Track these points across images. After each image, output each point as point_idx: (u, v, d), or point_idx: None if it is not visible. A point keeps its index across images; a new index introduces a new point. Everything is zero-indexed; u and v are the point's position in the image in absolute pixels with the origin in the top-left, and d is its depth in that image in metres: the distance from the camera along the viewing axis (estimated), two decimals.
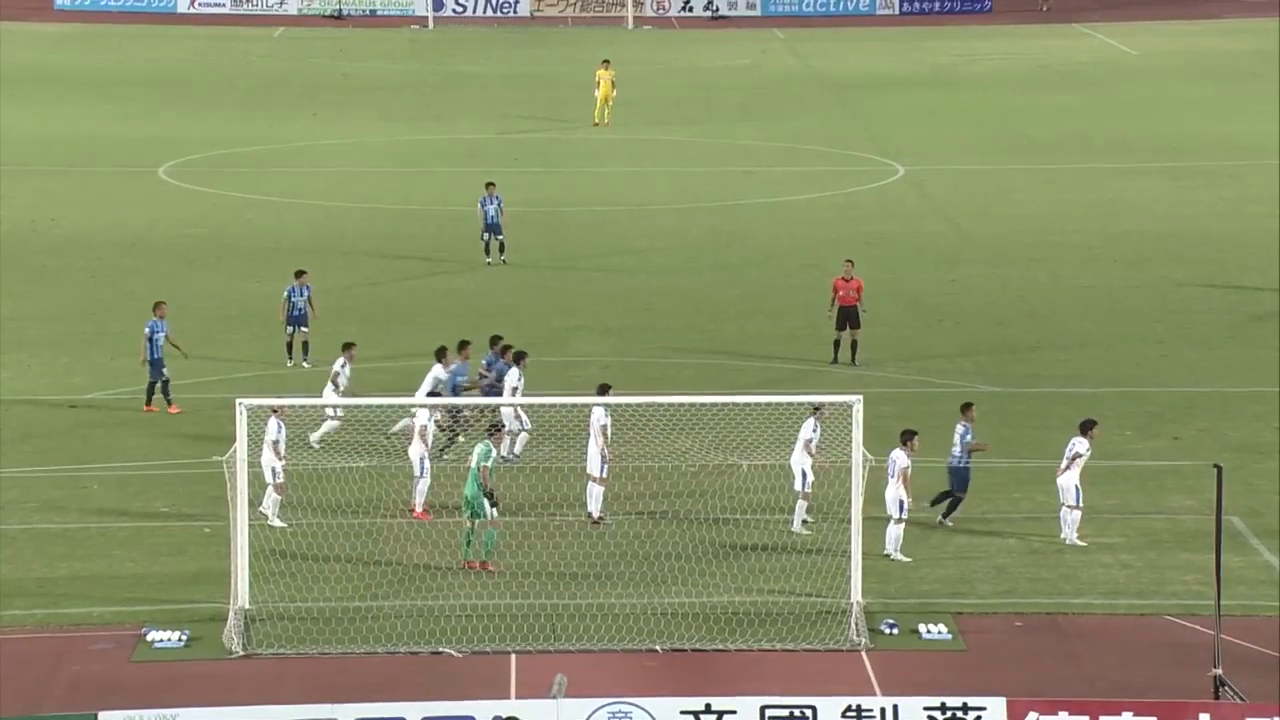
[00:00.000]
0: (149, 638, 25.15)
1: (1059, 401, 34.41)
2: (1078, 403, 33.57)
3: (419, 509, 29.18)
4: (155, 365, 34.04)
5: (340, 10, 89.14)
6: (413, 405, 29.81)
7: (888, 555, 27.62)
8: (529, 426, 31.34)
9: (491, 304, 42.13)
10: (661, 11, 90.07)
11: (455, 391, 31.33)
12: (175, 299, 41.63)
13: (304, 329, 37.06)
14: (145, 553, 28.02)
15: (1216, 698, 22.88)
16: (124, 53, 79.65)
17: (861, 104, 68.23)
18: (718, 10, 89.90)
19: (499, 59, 78.62)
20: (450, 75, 74.84)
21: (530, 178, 54.60)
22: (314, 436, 31.05)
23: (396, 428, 31.07)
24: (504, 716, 21.83)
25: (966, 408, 29.31)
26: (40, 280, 44.03)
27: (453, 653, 24.97)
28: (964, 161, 58.19)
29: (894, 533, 27.77)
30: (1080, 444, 28.36)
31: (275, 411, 28.32)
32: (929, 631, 25.38)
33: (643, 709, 21.81)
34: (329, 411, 31.04)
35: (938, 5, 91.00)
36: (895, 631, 25.40)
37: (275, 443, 28.34)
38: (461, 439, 30.98)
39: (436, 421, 30.22)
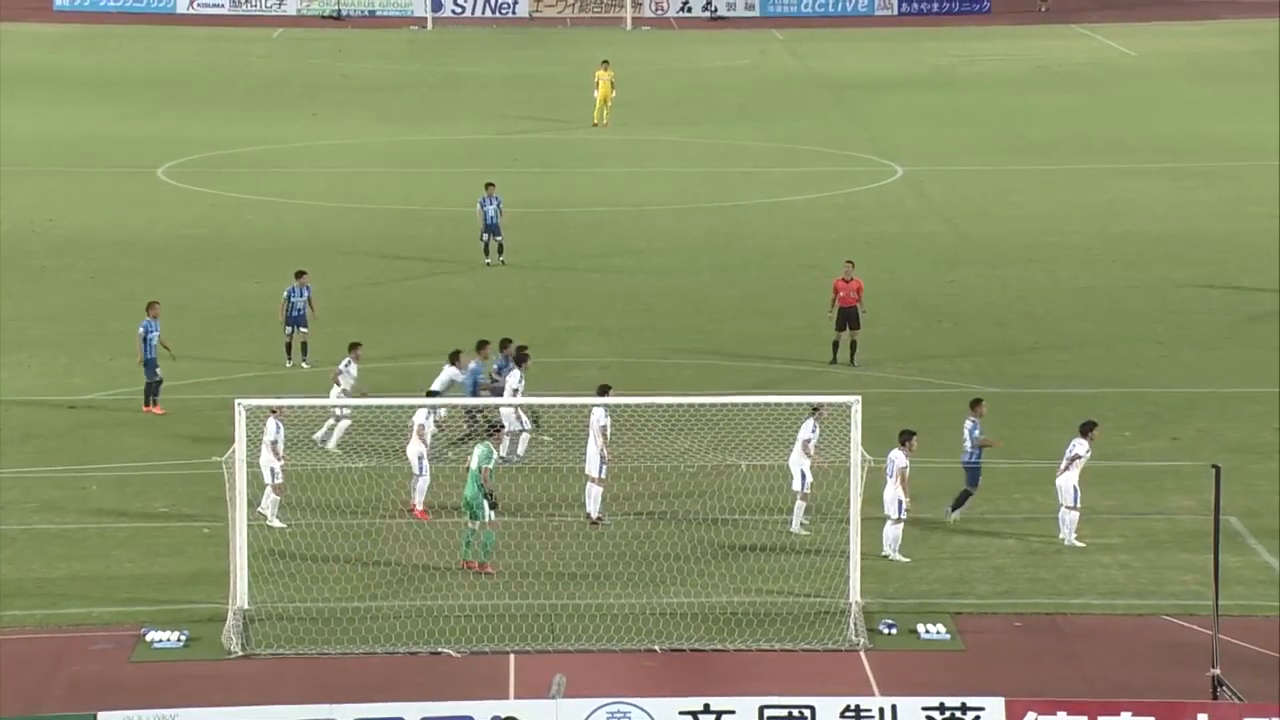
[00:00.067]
0: (148, 638, 25.16)
1: (1058, 402, 34.43)
2: (1076, 403, 33.60)
3: (418, 507, 29.20)
4: (149, 365, 34.02)
5: (339, 11, 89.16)
6: (412, 405, 29.79)
7: (886, 556, 27.63)
8: (529, 427, 31.35)
9: (491, 304, 42.15)
10: (660, 12, 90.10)
11: (475, 391, 31.33)
12: (174, 299, 41.71)
13: (303, 329, 37.07)
14: (144, 553, 28.04)
15: (1215, 698, 22.89)
16: (123, 53, 79.67)
17: (860, 105, 68.25)
18: (716, 11, 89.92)
19: (498, 60, 78.65)
20: (449, 76, 74.87)
21: (529, 178, 54.62)
22: (331, 444, 30.98)
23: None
24: (503, 717, 21.84)
25: (976, 403, 29.34)
26: (39, 280, 44.04)
27: (451, 653, 24.98)
28: (963, 162, 58.22)
29: (892, 533, 27.78)
30: (1080, 445, 28.38)
31: (274, 412, 28.34)
32: (928, 632, 25.40)
33: (641, 709, 21.82)
34: (337, 412, 31.03)
35: (936, 6, 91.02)
36: (894, 632, 25.42)
37: (273, 443, 28.35)
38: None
39: (438, 421, 30.24)
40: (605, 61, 65.20)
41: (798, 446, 28.47)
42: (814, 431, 28.39)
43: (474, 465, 27.38)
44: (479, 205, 45.52)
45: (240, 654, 24.85)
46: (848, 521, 25.82)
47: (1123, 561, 27.79)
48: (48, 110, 65.66)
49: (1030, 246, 47.58)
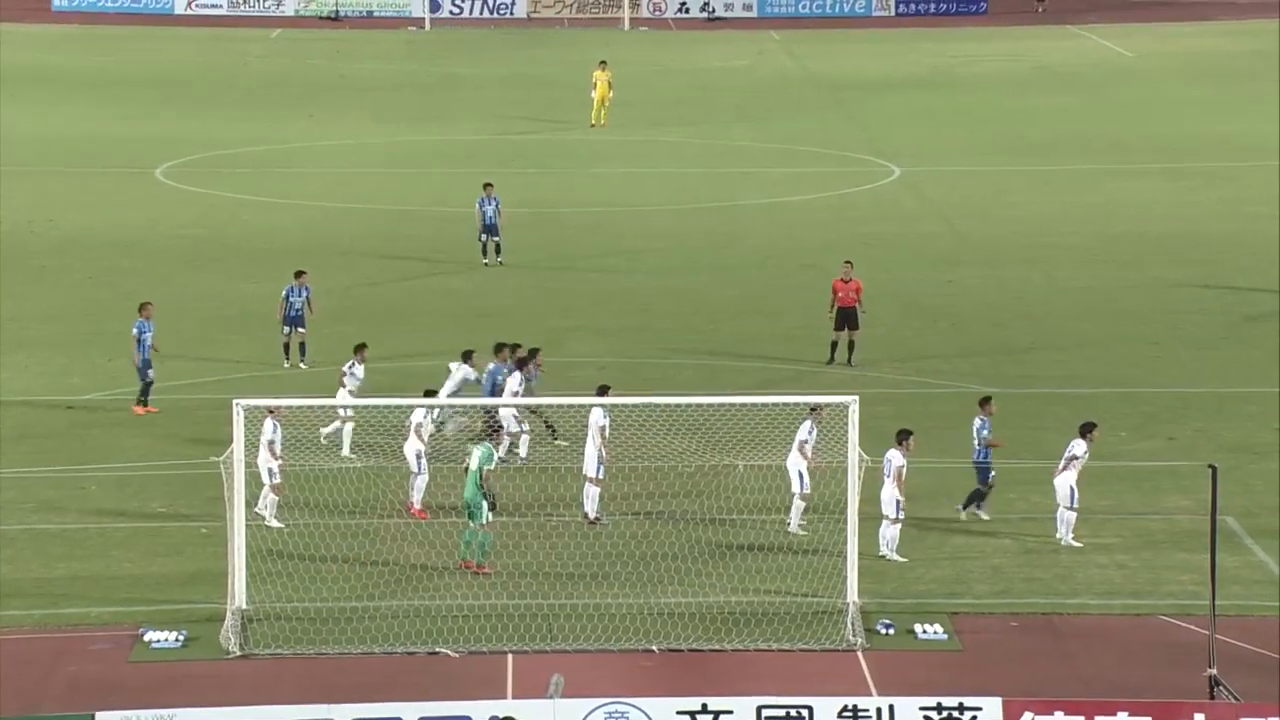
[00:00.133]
0: (146, 638, 25.18)
1: (1055, 402, 34.46)
2: (1074, 403, 33.64)
3: (417, 506, 29.23)
4: (143, 366, 34.01)
5: (337, 12, 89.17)
6: (411, 404, 29.82)
7: (883, 556, 27.66)
8: (527, 429, 31.36)
9: (489, 305, 42.18)
10: (658, 13, 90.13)
11: (495, 391, 31.36)
12: (173, 300, 41.75)
13: (301, 330, 37.08)
14: (143, 553, 28.06)
15: (1212, 697, 22.92)
16: (121, 54, 79.69)
17: (858, 105, 68.29)
18: (714, 12, 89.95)
19: (496, 60, 78.67)
20: (447, 76, 74.89)
21: (527, 179, 54.65)
22: (345, 449, 30.93)
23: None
24: (501, 716, 21.87)
25: (985, 402, 29.38)
26: (38, 281, 44.06)
27: (449, 653, 25.01)
28: (960, 163, 58.26)
29: (889, 533, 27.81)
30: (1078, 446, 28.42)
31: (271, 412, 28.36)
32: (925, 631, 25.43)
33: (639, 709, 21.84)
34: (341, 413, 31.04)
35: (933, 7, 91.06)
36: (891, 631, 25.45)
37: (271, 443, 28.38)
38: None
39: (436, 421, 30.32)
40: (603, 62, 65.23)
41: (794, 448, 28.50)
42: (811, 433, 28.42)
43: (474, 466, 27.41)
44: (477, 205, 45.54)
45: (238, 654, 24.88)
46: (845, 521, 25.85)
47: (1119, 561, 27.82)
48: (46, 110, 65.67)
49: (1028, 247, 47.62)
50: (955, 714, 21.90)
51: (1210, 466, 24.04)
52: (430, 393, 30.19)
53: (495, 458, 27.89)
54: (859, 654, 24.89)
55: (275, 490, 28.64)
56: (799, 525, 28.56)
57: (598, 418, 29.02)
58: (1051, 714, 21.97)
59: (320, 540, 27.67)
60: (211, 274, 44.79)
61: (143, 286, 42.09)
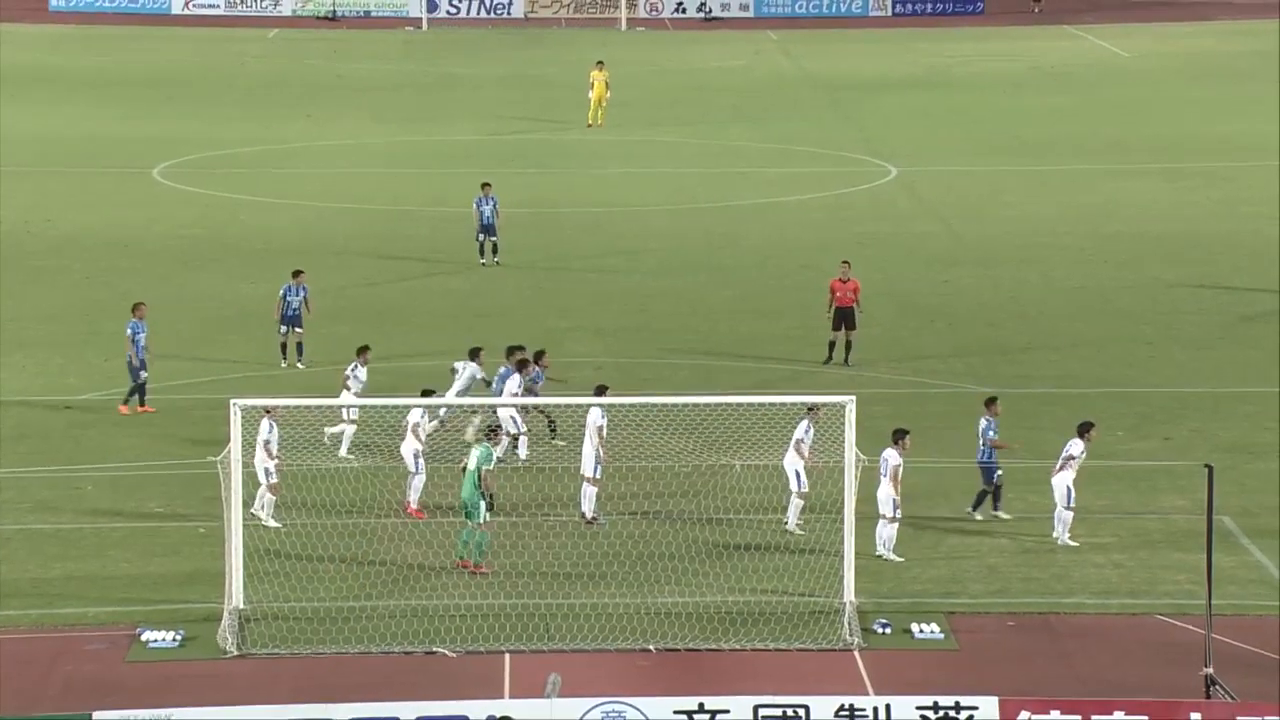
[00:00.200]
0: (143, 638, 25.20)
1: (1051, 402, 34.49)
2: (1070, 403, 33.67)
3: (413, 506, 29.25)
4: (135, 367, 34.01)
5: (334, 12, 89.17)
6: (409, 404, 29.85)
7: (879, 556, 27.69)
8: (524, 430, 31.38)
9: (486, 305, 42.21)
10: (654, 13, 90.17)
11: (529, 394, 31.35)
12: (170, 300, 41.78)
13: (298, 330, 37.08)
14: (140, 553, 28.08)
15: (1208, 697, 22.96)
16: (118, 54, 79.68)
17: (854, 105, 68.33)
18: (710, 12, 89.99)
19: (493, 60, 78.69)
20: (444, 76, 74.91)
21: (524, 179, 54.67)
22: (343, 450, 30.96)
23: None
24: (498, 716, 21.89)
25: (990, 402, 29.39)
26: (35, 281, 44.06)
27: (447, 652, 25.03)
28: (956, 163, 58.31)
29: (887, 533, 27.84)
30: (1075, 446, 28.46)
31: (268, 412, 28.38)
32: (921, 631, 25.46)
33: (636, 708, 21.87)
34: (345, 414, 31.04)
35: (930, 7, 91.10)
36: (888, 631, 25.48)
37: (266, 443, 28.39)
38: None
39: (441, 419, 30.34)
40: (600, 62, 65.25)
41: (791, 447, 28.53)
42: (807, 432, 28.45)
43: (472, 466, 27.44)
44: (475, 205, 45.56)
45: (236, 654, 24.90)
46: (842, 521, 25.88)
47: (1116, 561, 27.86)
48: (43, 110, 65.66)
49: (1024, 247, 47.67)
50: (952, 713, 21.93)
51: (1206, 466, 24.08)
52: (428, 392, 30.20)
53: (494, 457, 27.91)
54: (856, 653, 24.92)
55: (272, 490, 28.66)
56: (796, 524, 28.59)
57: (595, 418, 29.04)
58: (1048, 713, 22.00)
59: (318, 540, 27.69)
60: (209, 274, 44.81)
61: (140, 286, 42.09)
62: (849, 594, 25.61)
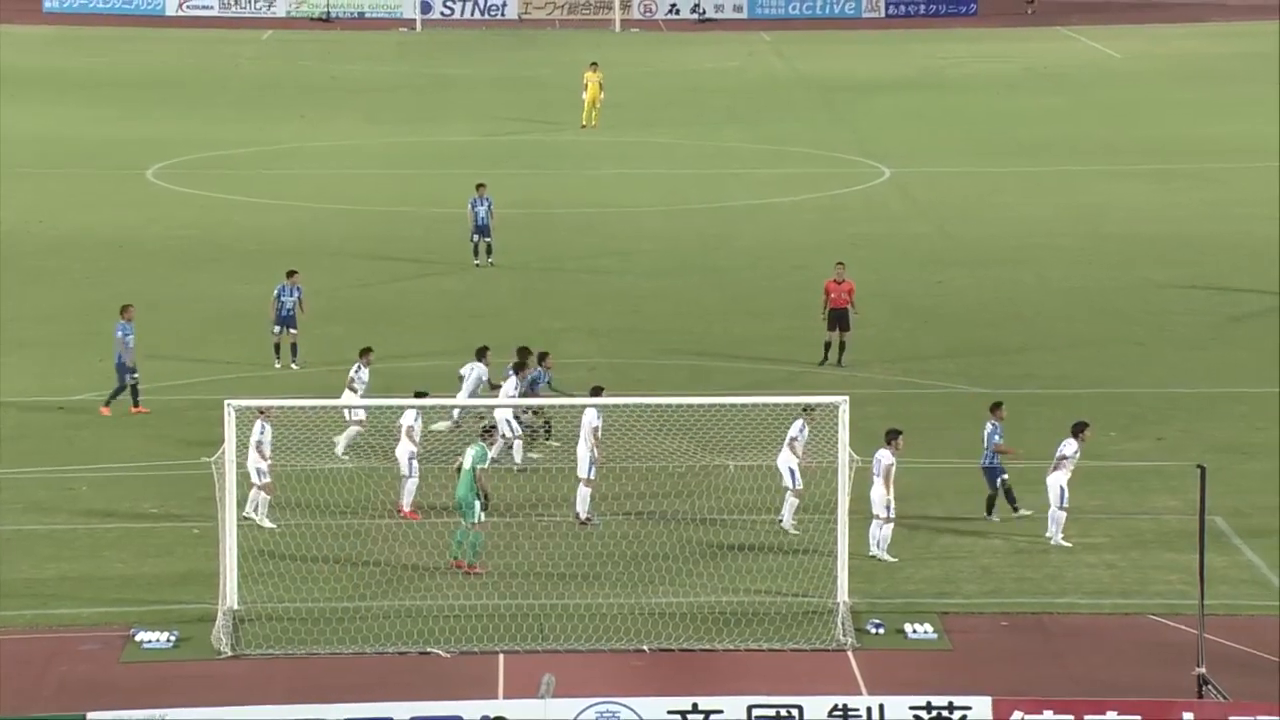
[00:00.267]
0: (137, 638, 25.21)
1: (1044, 403, 34.53)
2: (1062, 404, 33.72)
3: (407, 508, 29.28)
4: (122, 368, 34.02)
5: (328, 13, 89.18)
6: (402, 405, 29.86)
7: (873, 556, 27.73)
8: (520, 433, 31.39)
9: (480, 305, 42.25)
10: (648, 14, 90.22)
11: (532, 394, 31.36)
12: (165, 301, 41.80)
13: (292, 330, 37.09)
14: (134, 554, 28.10)
15: (1200, 696, 23.01)
16: (113, 55, 79.68)
17: (848, 106, 68.40)
18: (704, 13, 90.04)
19: (487, 61, 78.72)
20: (438, 77, 74.93)
21: (518, 179, 54.69)
22: (339, 449, 30.99)
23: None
24: (492, 716, 21.92)
25: (995, 407, 29.32)
26: (31, 282, 44.06)
27: (441, 653, 25.06)
28: (950, 164, 58.38)
29: (882, 533, 27.87)
30: (1068, 446, 28.52)
31: (262, 413, 28.40)
32: (915, 631, 25.51)
33: (630, 709, 21.90)
34: (348, 415, 31.03)
35: (923, 8, 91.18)
36: (881, 631, 25.53)
37: (259, 444, 28.41)
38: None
39: (456, 421, 30.31)
40: (594, 63, 65.31)
41: (785, 445, 28.57)
42: (802, 431, 28.49)
43: (467, 465, 27.48)
44: (470, 206, 45.59)
45: (230, 654, 24.92)
46: (835, 521, 25.92)
47: (1108, 561, 27.91)
48: (37, 111, 65.65)
49: (1016, 248, 47.74)
50: (945, 713, 21.97)
51: (1199, 466, 24.14)
52: (421, 394, 30.22)
53: (488, 457, 27.95)
54: (849, 653, 24.96)
55: (265, 490, 28.67)
56: (792, 523, 28.63)
57: (591, 419, 29.08)
58: (1041, 713, 22.05)
59: (312, 541, 27.72)
60: (203, 275, 44.82)
61: (135, 287, 42.11)
62: (842, 594, 25.66)
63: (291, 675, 24.32)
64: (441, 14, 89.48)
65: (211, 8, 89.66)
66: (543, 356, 32.12)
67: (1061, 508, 28.35)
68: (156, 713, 21.82)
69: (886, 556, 27.78)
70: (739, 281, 44.43)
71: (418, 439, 29.45)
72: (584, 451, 29.05)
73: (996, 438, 28.97)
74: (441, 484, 28.91)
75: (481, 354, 32.46)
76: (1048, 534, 28.49)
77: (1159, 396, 35.63)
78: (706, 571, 27.30)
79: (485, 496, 27.46)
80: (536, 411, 31.33)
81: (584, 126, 64.02)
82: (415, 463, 29.26)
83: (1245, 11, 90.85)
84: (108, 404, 34.07)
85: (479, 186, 45.85)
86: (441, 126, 64.75)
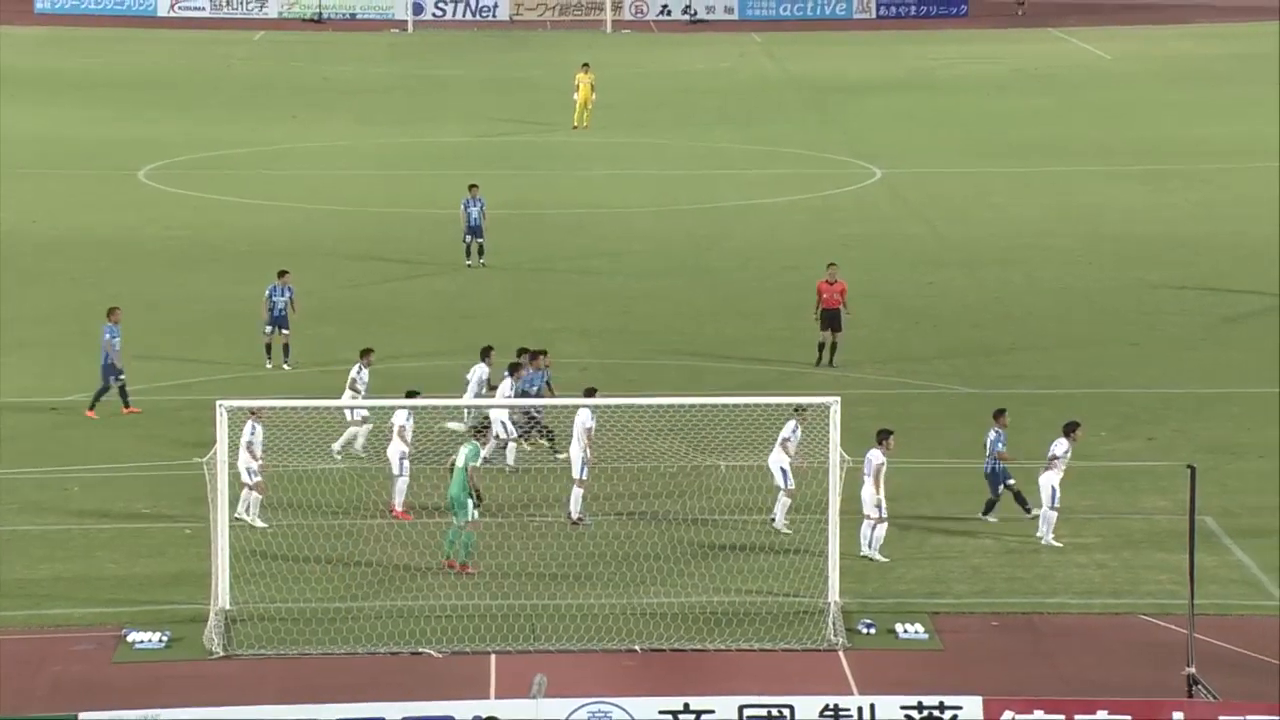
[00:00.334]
0: (130, 639, 25.23)
1: (1035, 403, 34.59)
2: (1053, 404, 33.79)
3: (398, 508, 29.31)
4: (107, 369, 34.03)
5: (320, 14, 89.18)
6: (393, 405, 29.90)
7: (868, 557, 27.76)
8: (514, 434, 31.43)
9: (472, 306, 42.28)
10: (640, 15, 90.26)
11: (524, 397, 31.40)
12: (157, 301, 41.82)
13: (284, 331, 37.10)
14: (126, 554, 28.11)
15: (1190, 696, 23.07)
16: (104, 56, 79.64)
17: (839, 107, 68.47)
18: (695, 14, 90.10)
19: (479, 62, 78.75)
20: (430, 79, 74.95)
21: (509, 180, 54.72)
22: (336, 445, 30.98)
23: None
24: (484, 716, 21.95)
25: (999, 414, 29.23)
26: (24, 283, 44.04)
27: (433, 653, 25.10)
28: (941, 164, 58.46)
29: (876, 533, 27.89)
30: (1059, 445, 28.58)
31: (253, 414, 28.42)
32: (906, 631, 25.56)
33: (622, 709, 21.94)
34: (349, 416, 31.02)
35: (914, 9, 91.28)
36: (872, 631, 25.58)
37: (250, 444, 28.44)
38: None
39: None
40: (585, 64, 65.35)
41: (777, 445, 28.62)
42: (794, 431, 28.54)
43: (460, 464, 27.52)
44: (462, 207, 45.62)
45: (222, 654, 24.95)
46: (826, 521, 25.97)
47: (1099, 561, 27.98)
48: (29, 112, 65.61)
49: (1007, 248, 47.83)
50: (936, 713, 22.02)
51: (1189, 467, 24.20)
52: (412, 393, 30.25)
53: (481, 455, 27.99)
54: (840, 653, 25.02)
55: (257, 489, 28.69)
56: (784, 523, 28.68)
57: (585, 419, 29.12)
58: (1031, 713, 22.09)
59: (304, 541, 27.75)
60: (195, 276, 44.83)
61: (127, 288, 42.15)
62: (833, 594, 25.71)
63: (283, 675, 24.35)
64: (433, 15, 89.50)
65: (203, 9, 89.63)
66: (536, 355, 32.08)
67: (1053, 507, 28.41)
68: (149, 713, 21.83)
69: (879, 556, 27.83)
70: (730, 282, 44.48)
71: (409, 439, 29.49)
72: (577, 452, 29.10)
73: (1000, 445, 28.94)
74: (433, 484, 28.94)
75: (486, 354, 32.45)
76: (1038, 533, 28.55)
77: (1150, 397, 35.71)
78: (698, 572, 27.34)
79: (477, 495, 27.50)
80: (537, 420, 31.24)
81: (575, 127, 64.05)
82: (406, 462, 29.29)
83: (1235, 13, 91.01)
84: (92, 407, 34.08)
85: (472, 187, 45.87)
86: (433, 127, 64.77)
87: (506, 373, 31.65)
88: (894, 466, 28.29)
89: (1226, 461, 31.71)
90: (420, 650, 25.10)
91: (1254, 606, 26.42)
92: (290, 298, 37.20)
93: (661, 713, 21.95)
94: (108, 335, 34.23)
